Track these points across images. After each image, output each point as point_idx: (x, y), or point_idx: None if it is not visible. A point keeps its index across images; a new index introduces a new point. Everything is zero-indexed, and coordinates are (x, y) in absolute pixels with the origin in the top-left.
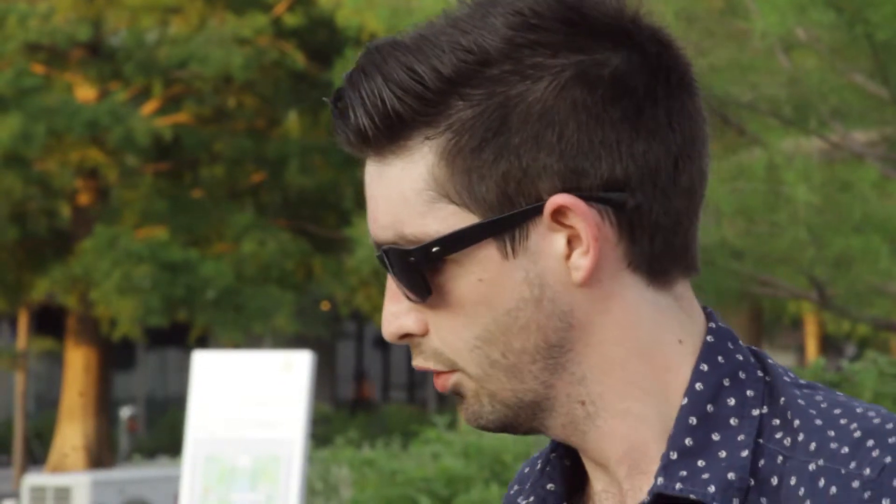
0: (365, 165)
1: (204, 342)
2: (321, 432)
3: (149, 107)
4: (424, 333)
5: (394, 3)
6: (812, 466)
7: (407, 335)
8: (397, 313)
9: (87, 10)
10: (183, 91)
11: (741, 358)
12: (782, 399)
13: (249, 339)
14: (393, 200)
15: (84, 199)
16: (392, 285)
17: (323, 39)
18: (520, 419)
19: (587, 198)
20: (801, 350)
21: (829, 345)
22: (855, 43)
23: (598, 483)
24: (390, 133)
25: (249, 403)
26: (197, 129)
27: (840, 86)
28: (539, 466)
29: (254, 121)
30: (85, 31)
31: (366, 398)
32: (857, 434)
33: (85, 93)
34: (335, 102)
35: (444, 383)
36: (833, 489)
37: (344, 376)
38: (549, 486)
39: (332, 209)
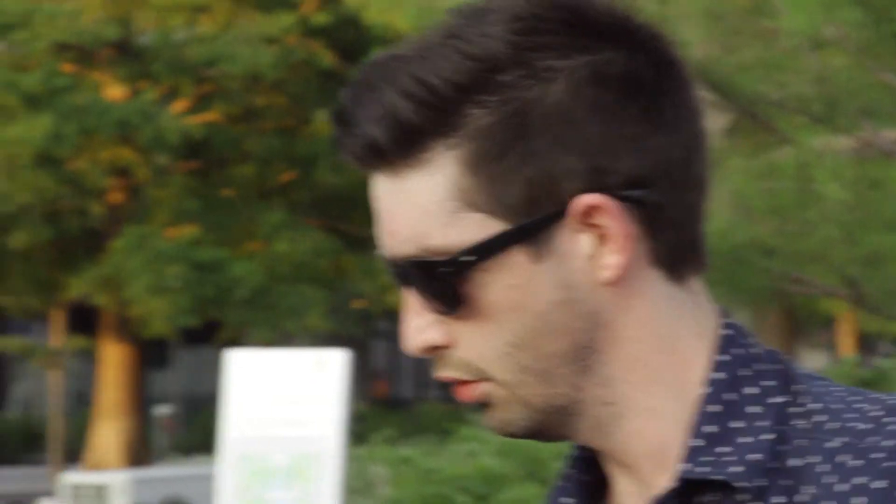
0: (372, 180)
1: (236, 341)
2: (356, 430)
3: (178, 106)
4: (450, 345)
5: (420, 2)
6: (833, 444)
7: (432, 348)
8: (421, 327)
9: (115, 10)
10: (212, 90)
11: (757, 350)
12: (800, 387)
13: (281, 337)
14: (413, 213)
15: (115, 197)
16: (413, 298)
17: (350, 38)
18: (549, 425)
19: (613, 196)
20: (834, 348)
21: (863, 343)
22: (883, 41)
23: (621, 485)
24: (407, 145)
25: (284, 402)
26: (226, 128)
27: (868, 84)
28: (557, 484)
29: (283, 119)
30: (113, 31)
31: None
32: (877, 413)
33: (114, 92)
34: (338, 118)
35: (470, 393)
36: (856, 462)
37: (377, 374)
38: (566, 500)
39: (362, 207)
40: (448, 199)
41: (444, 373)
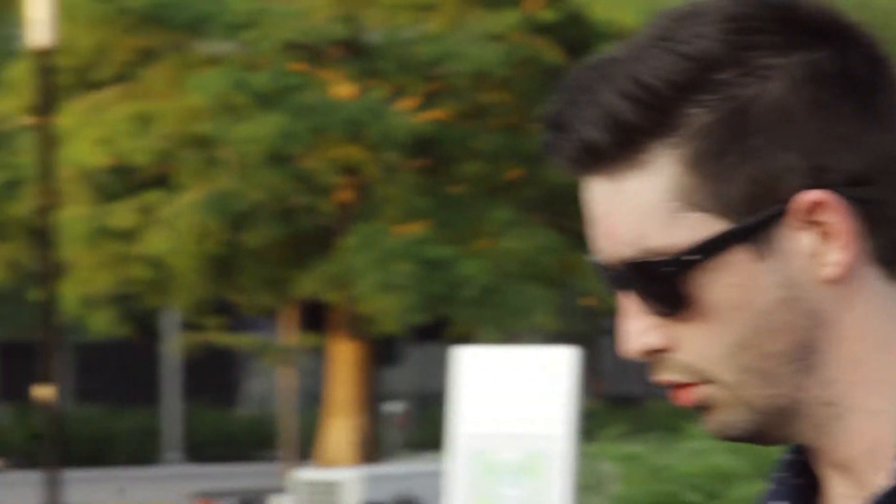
0: (585, 184)
1: (466, 338)
2: (585, 427)
3: (406, 104)
4: (670, 348)
5: None
6: None
7: (651, 351)
8: (640, 330)
9: (344, 9)
10: (439, 88)
11: None
12: None
13: (509, 335)
14: (633, 215)
15: (345, 195)
16: (630, 302)
17: (576, 35)
18: (769, 426)
19: (835, 193)
20: None
21: None
22: None
23: (836, 487)
24: (626, 146)
25: (513, 399)
26: (454, 125)
27: None
28: (769, 488)
29: (509, 117)
30: (341, 30)
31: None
32: None
33: (343, 90)
34: (552, 122)
35: (689, 396)
36: None
37: (605, 372)
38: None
39: None
40: (669, 200)
41: (663, 376)
